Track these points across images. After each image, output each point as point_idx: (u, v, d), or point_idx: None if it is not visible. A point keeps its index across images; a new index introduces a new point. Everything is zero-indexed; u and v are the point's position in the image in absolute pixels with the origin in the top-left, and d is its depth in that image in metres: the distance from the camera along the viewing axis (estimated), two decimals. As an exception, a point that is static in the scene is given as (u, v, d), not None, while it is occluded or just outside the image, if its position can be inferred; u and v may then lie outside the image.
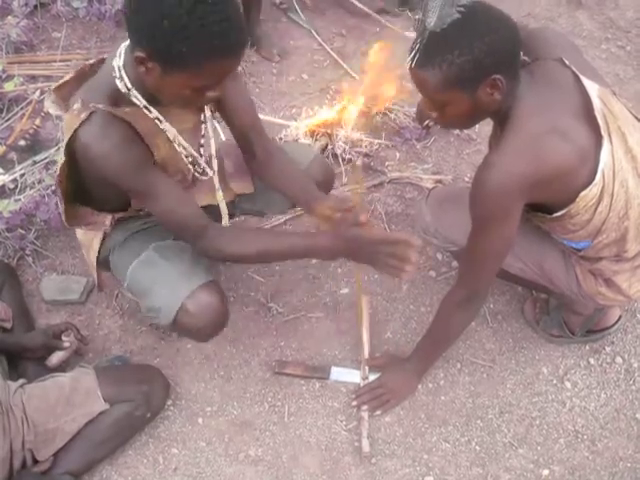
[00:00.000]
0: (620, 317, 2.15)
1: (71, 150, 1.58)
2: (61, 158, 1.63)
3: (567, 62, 1.65)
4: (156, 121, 1.62)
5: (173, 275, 1.81)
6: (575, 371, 2.13)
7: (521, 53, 1.55)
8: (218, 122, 1.88)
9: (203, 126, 1.79)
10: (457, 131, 2.82)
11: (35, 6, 3.15)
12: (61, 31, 3.12)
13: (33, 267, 2.35)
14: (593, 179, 1.59)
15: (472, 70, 1.47)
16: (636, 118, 1.71)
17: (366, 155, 2.71)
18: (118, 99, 1.56)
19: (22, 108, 2.77)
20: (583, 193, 1.59)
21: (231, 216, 2.01)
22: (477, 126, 2.80)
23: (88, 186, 1.74)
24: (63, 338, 2.00)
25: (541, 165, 1.54)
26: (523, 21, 3.31)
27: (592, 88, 1.62)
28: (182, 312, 1.78)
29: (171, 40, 1.36)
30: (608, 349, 2.18)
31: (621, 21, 3.43)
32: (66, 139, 1.57)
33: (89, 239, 1.93)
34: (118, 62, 1.55)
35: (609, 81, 3.05)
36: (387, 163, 2.71)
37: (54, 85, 1.69)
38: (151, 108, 1.60)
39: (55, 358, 1.99)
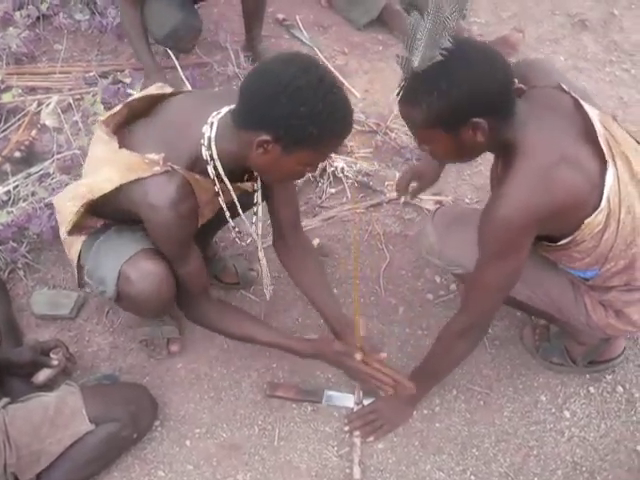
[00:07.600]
0: (624, 348, 2.10)
1: (127, 188, 1.64)
2: (108, 183, 1.66)
3: (566, 88, 1.62)
4: (219, 193, 1.74)
5: (121, 246, 1.81)
6: (574, 400, 2.08)
7: (513, 88, 1.52)
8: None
9: (255, 195, 1.89)
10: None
11: (37, 17, 3.15)
12: (62, 43, 3.11)
13: (24, 281, 2.31)
14: (599, 205, 1.55)
15: (451, 113, 1.48)
16: (638, 143, 1.68)
17: (365, 174, 2.68)
18: (195, 166, 1.67)
19: (19, 119, 2.74)
20: (588, 220, 1.56)
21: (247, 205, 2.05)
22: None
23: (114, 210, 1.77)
24: (52, 356, 1.96)
25: (554, 198, 1.51)
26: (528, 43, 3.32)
27: (593, 113, 1.59)
28: (123, 280, 1.77)
29: (306, 124, 1.49)
30: (609, 378, 2.13)
31: (626, 44, 3.42)
32: (126, 178, 1.63)
33: (72, 238, 1.91)
34: (209, 132, 1.63)
35: (613, 104, 3.04)
36: (386, 183, 2.67)
37: (102, 117, 1.81)
38: (225, 179, 1.70)
39: (42, 375, 1.95)
